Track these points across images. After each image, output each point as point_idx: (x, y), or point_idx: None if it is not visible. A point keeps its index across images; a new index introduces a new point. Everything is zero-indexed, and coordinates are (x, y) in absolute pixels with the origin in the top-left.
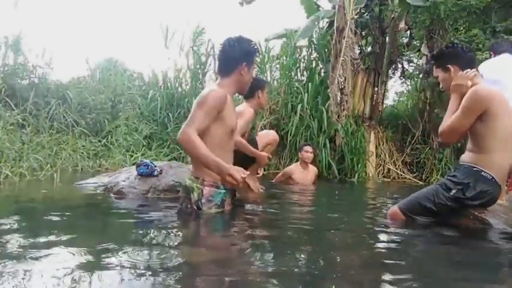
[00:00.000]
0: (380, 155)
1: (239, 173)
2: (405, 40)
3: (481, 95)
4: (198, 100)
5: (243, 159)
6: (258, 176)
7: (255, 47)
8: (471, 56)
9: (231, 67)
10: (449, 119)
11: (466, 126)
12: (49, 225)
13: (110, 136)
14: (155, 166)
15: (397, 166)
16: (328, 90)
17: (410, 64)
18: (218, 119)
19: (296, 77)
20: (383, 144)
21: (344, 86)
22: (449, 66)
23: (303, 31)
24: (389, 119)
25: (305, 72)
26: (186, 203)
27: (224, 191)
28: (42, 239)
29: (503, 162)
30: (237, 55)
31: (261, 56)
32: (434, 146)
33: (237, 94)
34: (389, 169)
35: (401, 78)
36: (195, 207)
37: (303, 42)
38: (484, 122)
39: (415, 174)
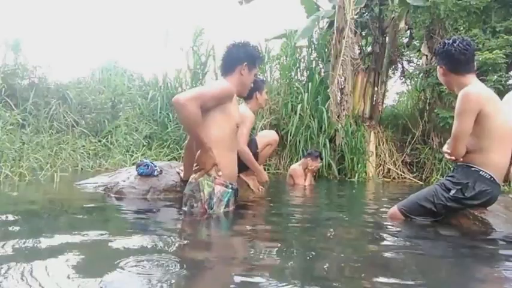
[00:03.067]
0: (380, 155)
1: (214, 167)
2: (405, 40)
3: (472, 96)
4: (209, 84)
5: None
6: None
7: (259, 54)
8: (459, 59)
9: (232, 66)
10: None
11: (467, 130)
12: (49, 225)
13: (110, 136)
14: (155, 166)
15: (397, 166)
16: (328, 90)
17: (410, 64)
18: (224, 112)
19: (296, 77)
20: (383, 144)
21: (344, 86)
22: (438, 67)
23: (303, 31)
24: (389, 119)
25: (305, 72)
26: (191, 202)
27: (231, 190)
28: (42, 240)
29: (501, 161)
30: (240, 55)
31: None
32: (434, 146)
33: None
34: (389, 169)
35: (401, 78)
36: (206, 207)
37: (303, 42)
38: (479, 123)
39: (415, 174)
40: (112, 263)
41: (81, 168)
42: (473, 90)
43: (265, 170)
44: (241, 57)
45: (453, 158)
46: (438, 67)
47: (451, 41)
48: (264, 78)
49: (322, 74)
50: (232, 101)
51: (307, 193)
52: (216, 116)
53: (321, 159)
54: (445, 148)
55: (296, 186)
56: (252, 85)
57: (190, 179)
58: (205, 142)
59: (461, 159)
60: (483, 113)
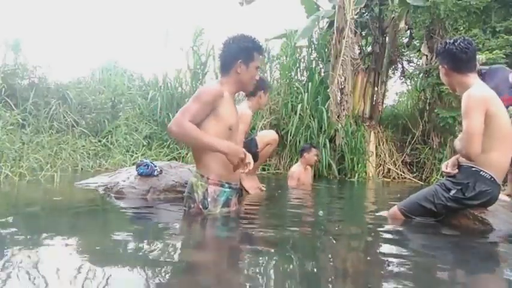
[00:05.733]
0: (380, 155)
1: (244, 158)
2: (405, 40)
3: (477, 96)
4: (195, 93)
5: None
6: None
7: (254, 43)
8: (461, 58)
9: (228, 65)
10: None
11: (480, 126)
12: (49, 225)
13: (110, 136)
14: (155, 166)
15: (397, 166)
16: (328, 90)
17: (410, 64)
18: (214, 115)
19: (296, 77)
20: (383, 144)
21: (344, 86)
22: (440, 66)
23: (303, 31)
24: (389, 119)
25: (305, 72)
26: (189, 203)
27: (229, 190)
28: (42, 240)
29: (501, 161)
30: (232, 53)
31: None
32: (434, 146)
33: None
34: (389, 169)
35: (401, 78)
36: (201, 207)
37: (303, 42)
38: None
39: (415, 174)
40: (111, 263)
41: (81, 168)
42: (477, 91)
43: (264, 170)
44: (233, 54)
45: (451, 172)
46: (440, 67)
47: (452, 41)
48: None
49: (322, 74)
50: (224, 102)
51: (307, 194)
52: (208, 118)
53: (315, 147)
54: (443, 168)
55: (297, 186)
56: (259, 82)
57: (188, 181)
58: (217, 144)
59: (461, 158)
60: (487, 113)
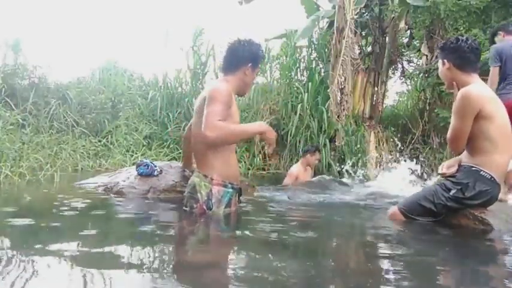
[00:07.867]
0: (380, 155)
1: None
2: (405, 40)
3: (470, 97)
4: (211, 95)
5: None
6: None
7: (262, 54)
8: (469, 57)
9: (236, 65)
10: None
11: (465, 130)
12: (49, 225)
13: (110, 136)
14: (155, 166)
15: None
16: (328, 90)
17: (410, 64)
18: (230, 115)
19: (296, 77)
20: (383, 144)
21: (344, 86)
22: (445, 61)
23: (303, 31)
24: (389, 119)
25: (305, 72)
26: (191, 203)
27: (231, 190)
28: (42, 240)
29: (501, 161)
30: (245, 54)
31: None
32: (434, 146)
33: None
34: None
35: (401, 78)
36: (205, 208)
37: (303, 42)
38: (478, 124)
39: None
40: (111, 263)
41: (81, 168)
42: (474, 89)
43: (264, 170)
44: (246, 56)
45: (446, 173)
46: (443, 61)
47: (464, 38)
48: (264, 80)
49: (322, 74)
50: (234, 101)
51: (306, 193)
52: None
53: (319, 151)
54: (440, 169)
55: (293, 185)
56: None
57: (189, 182)
58: (256, 127)
59: (461, 158)
60: (484, 113)
